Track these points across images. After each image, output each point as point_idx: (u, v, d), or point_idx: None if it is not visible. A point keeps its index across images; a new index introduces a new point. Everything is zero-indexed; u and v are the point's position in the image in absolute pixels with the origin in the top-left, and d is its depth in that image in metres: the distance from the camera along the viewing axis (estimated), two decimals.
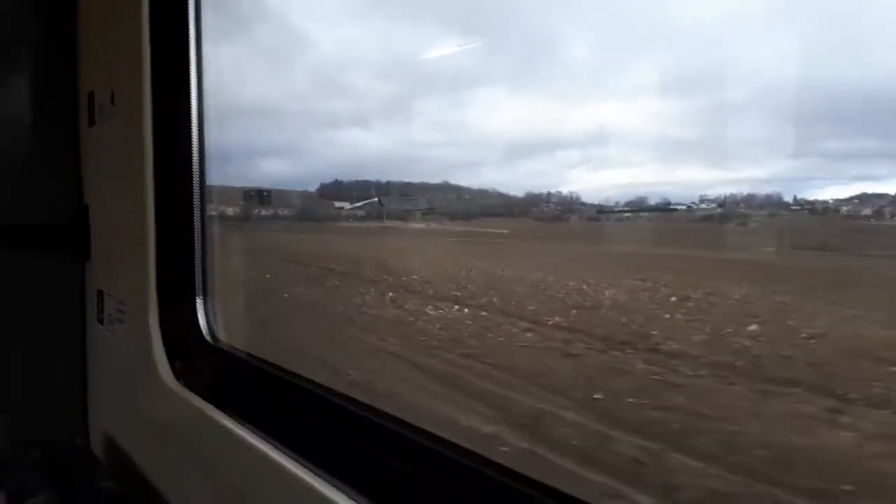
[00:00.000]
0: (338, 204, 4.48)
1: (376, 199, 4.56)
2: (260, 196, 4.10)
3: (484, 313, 3.43)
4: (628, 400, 2.26)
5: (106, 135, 1.48)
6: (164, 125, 1.39)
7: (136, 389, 1.39)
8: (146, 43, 1.38)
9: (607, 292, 3.26)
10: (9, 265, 1.52)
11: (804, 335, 2.28)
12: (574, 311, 3.10)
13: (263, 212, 4.43)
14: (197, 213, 1.40)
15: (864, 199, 1.78)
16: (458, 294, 3.76)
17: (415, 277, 4.18)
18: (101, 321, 1.50)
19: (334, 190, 4.36)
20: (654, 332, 2.60)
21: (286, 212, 4.71)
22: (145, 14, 1.39)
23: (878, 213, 1.93)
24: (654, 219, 3.22)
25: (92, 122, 1.50)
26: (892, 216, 1.91)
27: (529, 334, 3.01)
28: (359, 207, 4.53)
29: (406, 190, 4.39)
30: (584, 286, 3.38)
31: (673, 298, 2.93)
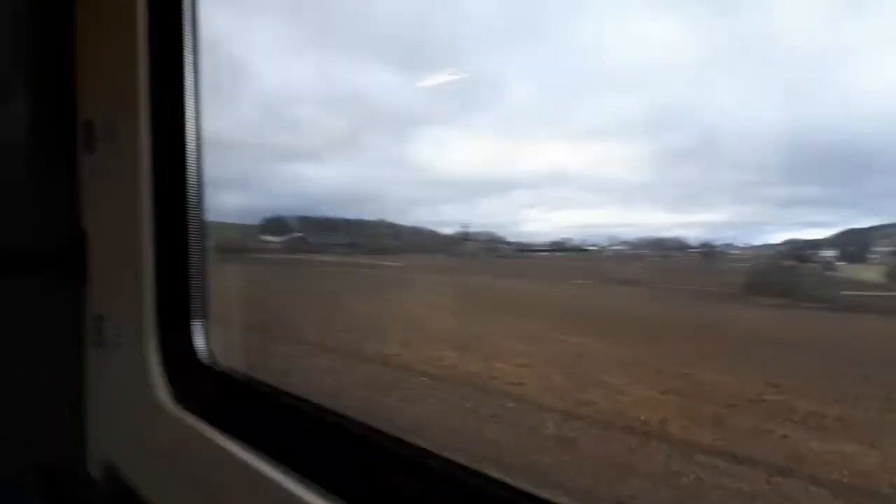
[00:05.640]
0: (266, 237, 4.49)
1: (300, 234, 4.65)
2: None
3: None
4: None
5: (105, 162, 1.45)
6: (162, 152, 1.40)
7: (135, 413, 1.33)
8: (144, 72, 1.40)
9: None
10: (7, 290, 1.41)
11: None
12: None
13: None
14: (195, 237, 1.41)
15: (791, 244, 2.11)
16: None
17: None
18: (99, 345, 1.43)
19: (275, 224, 4.36)
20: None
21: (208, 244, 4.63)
22: (142, 43, 1.40)
23: (755, 258, 2.37)
24: (560, 257, 3.74)
25: (91, 150, 1.47)
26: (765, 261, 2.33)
27: None
28: (283, 242, 4.58)
29: (344, 226, 4.49)
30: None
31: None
